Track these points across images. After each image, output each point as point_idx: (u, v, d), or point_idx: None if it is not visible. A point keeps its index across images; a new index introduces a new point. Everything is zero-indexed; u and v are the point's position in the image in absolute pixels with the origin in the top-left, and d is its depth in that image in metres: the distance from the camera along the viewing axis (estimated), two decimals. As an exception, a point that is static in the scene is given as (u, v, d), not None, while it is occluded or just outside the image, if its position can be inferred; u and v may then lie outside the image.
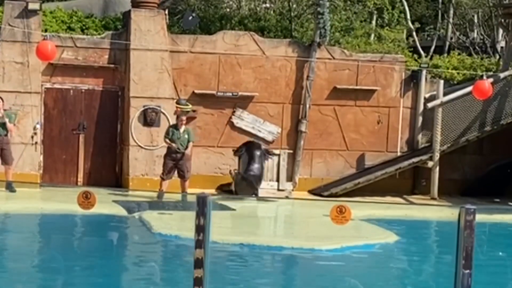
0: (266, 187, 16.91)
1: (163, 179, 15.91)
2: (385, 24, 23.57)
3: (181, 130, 15.95)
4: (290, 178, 17.57)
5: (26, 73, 16.58)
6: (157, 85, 17.10)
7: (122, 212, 14.11)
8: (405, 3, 23.44)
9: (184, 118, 16.10)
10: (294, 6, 20.11)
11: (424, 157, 17.94)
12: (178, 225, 12.70)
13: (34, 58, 15.94)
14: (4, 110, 15.89)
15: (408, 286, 10.45)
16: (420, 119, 18.35)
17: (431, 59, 20.39)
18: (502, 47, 23.37)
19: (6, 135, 15.73)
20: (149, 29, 17.10)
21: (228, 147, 17.60)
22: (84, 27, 18.04)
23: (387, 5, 23.90)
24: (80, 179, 17.24)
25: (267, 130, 17.89)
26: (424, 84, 18.29)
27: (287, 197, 16.99)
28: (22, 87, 16.57)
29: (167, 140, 15.85)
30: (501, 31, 23.52)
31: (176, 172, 15.94)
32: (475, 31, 25.71)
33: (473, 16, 25.42)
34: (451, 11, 25.18)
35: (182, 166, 15.83)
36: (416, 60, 19.33)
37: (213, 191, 16.85)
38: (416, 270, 11.35)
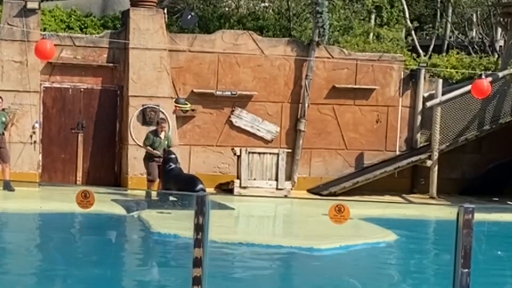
0: (265, 186, 16.92)
1: (152, 181, 15.84)
2: (384, 23, 23.55)
3: (162, 136, 15.90)
4: (289, 177, 17.57)
5: (25, 72, 16.58)
6: (156, 84, 17.10)
7: (121, 211, 14.11)
8: (404, 2, 23.42)
9: (164, 125, 16.06)
10: (293, 5, 20.11)
11: (423, 156, 17.95)
12: (177, 224, 12.70)
13: (33, 57, 15.95)
14: (3, 109, 15.89)
15: (406, 285, 10.46)
16: (419, 118, 18.36)
17: (429, 58, 20.37)
18: (500, 46, 23.36)
19: (3, 134, 15.73)
20: (148, 28, 17.11)
21: (227, 146, 17.61)
22: (83, 26, 18.04)
23: (386, 4, 23.88)
24: (79, 178, 17.25)
25: (266, 129, 17.90)
26: (423, 83, 18.29)
27: (286, 196, 17.00)
28: (21, 86, 16.57)
29: (149, 148, 15.79)
30: (499, 30, 23.51)
31: None
32: (474, 30, 25.70)
33: (471, 15, 25.40)
34: (450, 10, 25.16)
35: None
36: (415, 59, 19.33)
37: (212, 190, 16.85)
38: (415, 269, 11.36)
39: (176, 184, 15.29)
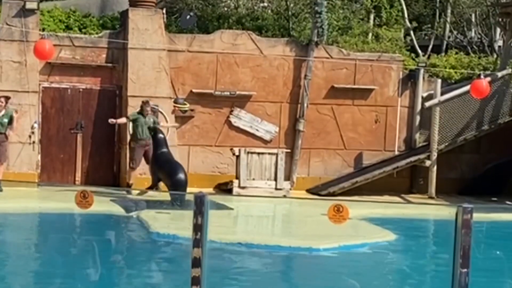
0: (264, 186, 16.93)
1: (133, 168, 15.94)
2: (382, 23, 23.55)
3: (146, 118, 15.98)
4: (288, 177, 17.57)
5: (24, 72, 16.59)
6: (155, 84, 17.10)
7: (120, 211, 14.11)
8: (403, 2, 23.42)
9: (148, 109, 16.09)
10: (292, 5, 20.09)
11: (421, 156, 17.96)
12: (176, 224, 12.71)
13: (32, 57, 15.95)
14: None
15: (405, 285, 10.47)
16: (418, 118, 18.37)
17: (428, 58, 20.37)
18: (499, 46, 23.37)
19: (2, 133, 15.68)
20: (146, 28, 17.11)
21: (226, 146, 17.61)
22: (81, 26, 18.03)
23: (385, 4, 23.89)
24: (78, 178, 17.25)
25: (265, 129, 17.90)
26: (421, 83, 18.31)
27: (284, 196, 17.00)
28: (20, 86, 16.57)
29: (126, 119, 16.03)
30: (498, 30, 23.52)
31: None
32: (473, 30, 25.71)
33: (470, 15, 25.41)
34: (449, 10, 25.17)
35: (148, 153, 15.88)
36: (413, 59, 19.34)
37: (211, 190, 16.86)
38: (414, 269, 11.36)
39: (161, 171, 15.29)
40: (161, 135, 15.62)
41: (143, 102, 16.13)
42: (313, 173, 18.22)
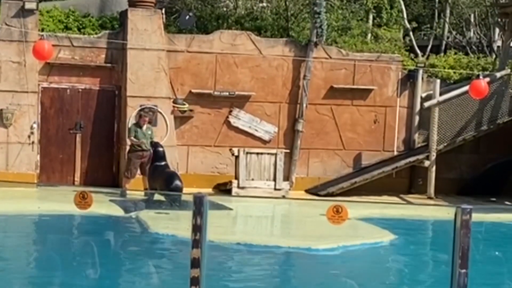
0: (263, 187, 16.92)
1: (128, 178, 15.92)
2: (382, 23, 23.55)
3: (144, 128, 15.94)
4: (287, 177, 17.57)
5: (23, 72, 16.58)
6: (154, 85, 17.10)
7: (119, 211, 14.11)
8: (402, 3, 23.42)
9: (146, 119, 16.09)
10: (291, 5, 20.11)
11: (420, 157, 17.96)
12: (175, 224, 12.70)
13: (31, 57, 15.94)
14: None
15: (404, 285, 10.47)
16: (417, 118, 18.38)
17: (427, 58, 20.37)
18: (498, 47, 23.36)
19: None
20: (146, 29, 17.11)
21: (225, 147, 17.61)
22: (80, 27, 18.02)
23: (386, 4, 23.89)
24: (77, 178, 17.24)
25: (264, 129, 17.90)
26: (420, 84, 18.32)
27: (283, 197, 16.99)
28: (19, 87, 16.57)
29: (134, 139, 15.83)
30: (497, 30, 23.52)
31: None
32: (472, 30, 25.71)
33: (469, 15, 25.40)
34: (448, 11, 25.17)
35: (144, 165, 15.83)
36: (412, 60, 19.33)
37: (210, 190, 16.86)
38: (412, 269, 11.37)
39: (157, 181, 15.30)
40: (160, 149, 15.63)
41: (140, 111, 16.17)
42: (312, 174, 18.22)
